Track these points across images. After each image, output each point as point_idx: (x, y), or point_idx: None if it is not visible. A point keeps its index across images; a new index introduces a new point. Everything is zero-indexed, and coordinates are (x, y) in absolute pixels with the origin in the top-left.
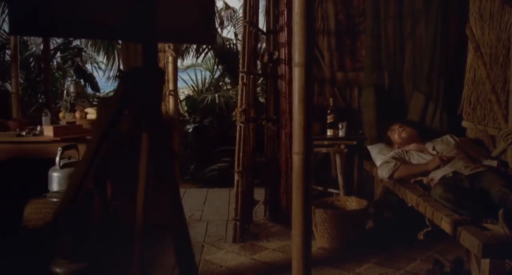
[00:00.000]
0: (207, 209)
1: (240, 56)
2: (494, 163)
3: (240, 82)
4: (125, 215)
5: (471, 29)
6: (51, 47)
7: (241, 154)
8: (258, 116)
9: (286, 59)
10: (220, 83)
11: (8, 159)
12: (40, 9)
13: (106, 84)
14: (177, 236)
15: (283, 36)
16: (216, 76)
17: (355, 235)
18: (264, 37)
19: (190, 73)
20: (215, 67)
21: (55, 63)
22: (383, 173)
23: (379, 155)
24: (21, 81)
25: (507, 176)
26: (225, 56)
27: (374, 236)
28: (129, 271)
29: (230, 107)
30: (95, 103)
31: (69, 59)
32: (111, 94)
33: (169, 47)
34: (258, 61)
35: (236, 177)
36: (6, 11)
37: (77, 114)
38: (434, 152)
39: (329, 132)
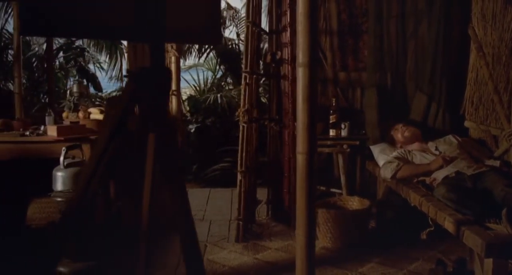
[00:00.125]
0: (209, 209)
1: (243, 56)
2: (497, 163)
3: (243, 82)
4: (129, 215)
5: (474, 29)
6: (54, 47)
7: (244, 154)
8: (260, 116)
9: (289, 59)
10: (222, 83)
11: (12, 158)
12: (50, 10)
13: (108, 84)
14: (184, 236)
15: (285, 36)
16: (218, 76)
17: (357, 235)
18: (267, 37)
19: (192, 73)
20: (217, 67)
21: (57, 63)
22: (385, 173)
23: (381, 155)
24: (24, 81)
25: (510, 176)
26: (227, 56)
27: (376, 236)
28: (133, 270)
29: (232, 107)
30: (97, 103)
31: (71, 59)
32: (114, 94)
33: (172, 47)
34: (260, 61)
35: (239, 177)
36: (10, 12)
37: (81, 114)
38: (437, 152)
39: (332, 132)
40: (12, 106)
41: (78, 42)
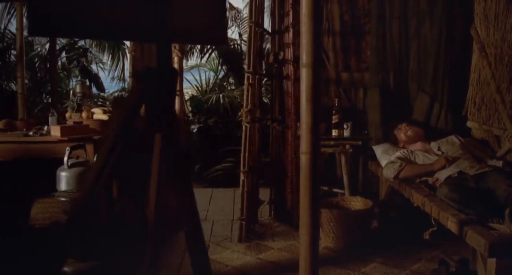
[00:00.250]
0: (212, 209)
1: (246, 57)
2: (499, 163)
3: (245, 82)
4: (132, 215)
5: (476, 30)
6: (56, 47)
7: (246, 154)
8: (263, 116)
9: (291, 59)
10: (224, 83)
11: (15, 158)
12: (57, 11)
13: (111, 84)
14: (191, 235)
15: (288, 37)
16: (220, 76)
17: (360, 235)
18: (269, 37)
19: (194, 73)
20: (219, 68)
21: (59, 63)
22: (388, 173)
23: (384, 155)
24: (26, 81)
25: None
26: (229, 56)
27: (379, 236)
28: (136, 270)
29: (234, 107)
30: (99, 103)
31: (74, 59)
32: (116, 94)
33: (174, 47)
34: (263, 62)
35: (241, 177)
36: (12, 12)
37: (84, 114)
38: (439, 153)
39: (334, 132)
40: (15, 106)
41: (81, 43)
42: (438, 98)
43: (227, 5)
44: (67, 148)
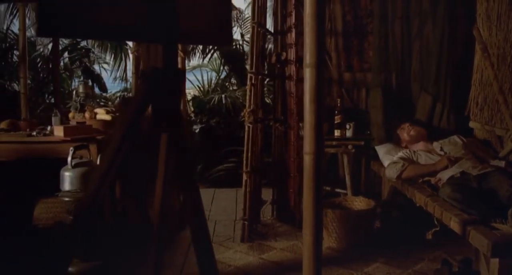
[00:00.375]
0: (214, 209)
1: (248, 57)
2: (502, 164)
3: (248, 82)
4: (136, 214)
5: (479, 30)
6: (59, 47)
7: (249, 154)
8: (265, 116)
9: (294, 59)
10: (226, 84)
11: (19, 159)
12: (66, 12)
13: (113, 84)
14: (197, 235)
15: (290, 37)
16: (222, 76)
17: (363, 235)
18: (272, 37)
19: (196, 73)
20: (221, 68)
21: (62, 63)
22: (391, 173)
23: (386, 156)
24: (28, 81)
25: None
26: (231, 56)
27: (381, 236)
28: (140, 270)
29: (236, 108)
30: (102, 103)
31: (77, 59)
32: (118, 94)
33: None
34: (265, 62)
35: (244, 177)
36: (15, 13)
37: (87, 114)
38: (442, 153)
39: (337, 133)
40: (18, 106)
41: (83, 43)
42: (440, 98)
43: None
44: (71, 148)
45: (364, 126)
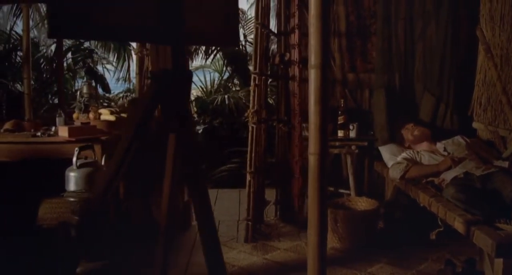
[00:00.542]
0: (217, 209)
1: (252, 58)
2: (505, 164)
3: (252, 83)
4: (139, 214)
5: (482, 31)
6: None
7: (253, 155)
8: (269, 117)
9: (297, 60)
10: (229, 84)
11: (23, 159)
12: (76, 13)
13: (116, 85)
14: (206, 234)
15: (294, 38)
16: (225, 77)
17: (366, 235)
18: (275, 38)
19: (199, 74)
20: (224, 69)
21: (65, 64)
22: (394, 173)
23: (390, 156)
24: (31, 82)
25: None
26: (234, 57)
27: (385, 236)
28: (144, 270)
29: (239, 108)
30: (105, 104)
31: (80, 60)
32: (121, 95)
33: None
34: (268, 63)
35: (248, 177)
36: (18, 13)
37: (91, 115)
38: (445, 153)
39: (340, 133)
40: (21, 107)
41: (86, 44)
42: (444, 99)
43: None
44: (76, 148)
45: (368, 126)
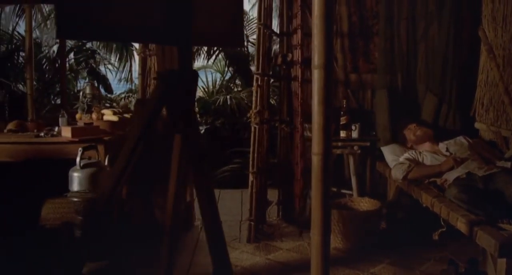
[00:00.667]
0: (220, 209)
1: (255, 58)
2: (508, 164)
3: (254, 84)
4: (141, 215)
5: (484, 31)
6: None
7: (255, 155)
8: (271, 117)
9: (300, 61)
10: (231, 85)
11: (27, 159)
12: (84, 14)
13: (118, 85)
14: (212, 235)
15: (296, 38)
16: (227, 77)
17: (368, 236)
18: (277, 39)
19: (201, 75)
20: (226, 69)
21: (67, 64)
22: (397, 174)
23: (392, 156)
24: (34, 82)
25: None
26: (236, 58)
27: (387, 237)
28: (147, 270)
29: (241, 109)
30: (107, 104)
31: (82, 61)
32: (123, 95)
33: None
34: (270, 63)
35: (250, 178)
36: (21, 14)
37: (94, 115)
38: (448, 153)
39: (343, 133)
40: (24, 107)
41: (89, 44)
42: (446, 99)
43: None
44: (80, 148)
45: (370, 127)
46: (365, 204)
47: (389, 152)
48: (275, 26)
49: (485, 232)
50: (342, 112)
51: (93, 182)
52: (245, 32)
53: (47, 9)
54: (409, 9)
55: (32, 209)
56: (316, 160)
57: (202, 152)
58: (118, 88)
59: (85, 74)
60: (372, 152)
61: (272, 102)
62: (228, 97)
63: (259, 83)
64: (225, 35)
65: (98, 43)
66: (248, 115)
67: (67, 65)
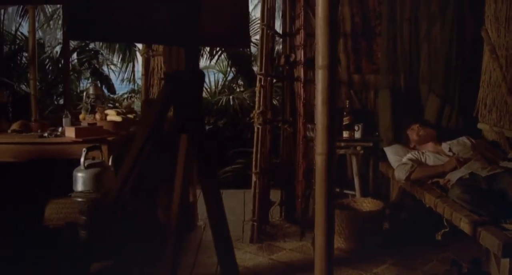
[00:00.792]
0: None
1: (258, 59)
2: (511, 165)
3: (258, 84)
4: (144, 214)
5: (487, 32)
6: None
7: (258, 156)
8: (274, 118)
9: (302, 61)
10: (233, 85)
11: (31, 159)
12: (94, 15)
13: (120, 86)
14: (219, 235)
15: (299, 39)
16: (229, 78)
17: (371, 236)
18: (280, 39)
19: None
20: (228, 69)
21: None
22: (400, 174)
23: (395, 157)
24: (37, 83)
25: None
26: (238, 58)
27: (390, 237)
28: (149, 269)
29: (244, 109)
30: (110, 105)
31: (85, 61)
32: (126, 96)
33: None
34: (273, 64)
35: (253, 178)
36: (23, 15)
37: (98, 116)
38: (451, 154)
39: (345, 134)
40: (27, 108)
41: (92, 45)
42: (449, 99)
43: None
44: (84, 149)
45: (373, 127)
46: (368, 204)
47: (392, 153)
48: (278, 26)
49: (488, 232)
50: (345, 113)
51: (97, 182)
52: None
53: (50, 10)
54: (411, 9)
55: (35, 209)
56: (320, 160)
57: (209, 152)
58: (121, 88)
59: (88, 74)
60: (375, 152)
61: (275, 103)
62: (230, 97)
63: (262, 83)
64: (231, 35)
65: (101, 43)
66: (251, 115)
67: (70, 65)
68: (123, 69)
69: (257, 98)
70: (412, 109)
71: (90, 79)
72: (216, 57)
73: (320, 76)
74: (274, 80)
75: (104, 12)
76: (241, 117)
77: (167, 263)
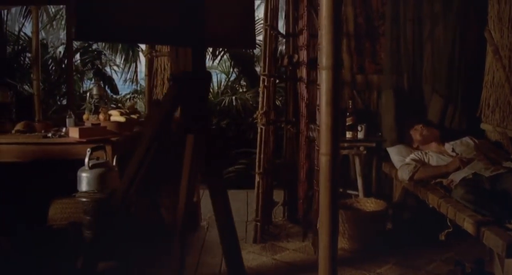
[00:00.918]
0: None
1: (261, 59)
2: None
3: (261, 84)
4: (147, 214)
5: (490, 32)
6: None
7: (261, 156)
8: (277, 118)
9: (306, 61)
10: (236, 86)
11: (35, 160)
12: (101, 16)
13: (123, 86)
14: (225, 235)
15: (302, 39)
16: (232, 78)
17: (374, 236)
18: (283, 39)
19: None
20: (231, 70)
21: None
22: (403, 174)
23: (398, 157)
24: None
25: None
26: (240, 58)
27: (393, 237)
28: (152, 269)
29: (247, 110)
30: (112, 105)
31: (88, 62)
32: (129, 96)
33: None
34: (276, 64)
35: (256, 178)
36: (27, 15)
37: (101, 116)
38: (454, 154)
39: (348, 134)
40: (31, 108)
41: (95, 45)
42: (452, 100)
43: None
44: (88, 149)
45: (376, 127)
46: (371, 204)
47: (395, 153)
48: (281, 27)
49: (492, 233)
50: (348, 113)
51: (101, 182)
52: None
53: (53, 10)
54: (415, 10)
55: (39, 209)
56: (324, 161)
57: (216, 152)
58: (124, 89)
59: (91, 75)
60: (378, 152)
61: (278, 103)
62: (233, 98)
63: (265, 84)
64: (238, 36)
65: (104, 44)
66: (255, 116)
67: (73, 66)
68: (126, 69)
69: (260, 99)
70: (415, 110)
71: (93, 79)
72: (219, 57)
73: (324, 77)
74: (277, 81)
75: (113, 13)
76: (244, 118)
77: (175, 263)
